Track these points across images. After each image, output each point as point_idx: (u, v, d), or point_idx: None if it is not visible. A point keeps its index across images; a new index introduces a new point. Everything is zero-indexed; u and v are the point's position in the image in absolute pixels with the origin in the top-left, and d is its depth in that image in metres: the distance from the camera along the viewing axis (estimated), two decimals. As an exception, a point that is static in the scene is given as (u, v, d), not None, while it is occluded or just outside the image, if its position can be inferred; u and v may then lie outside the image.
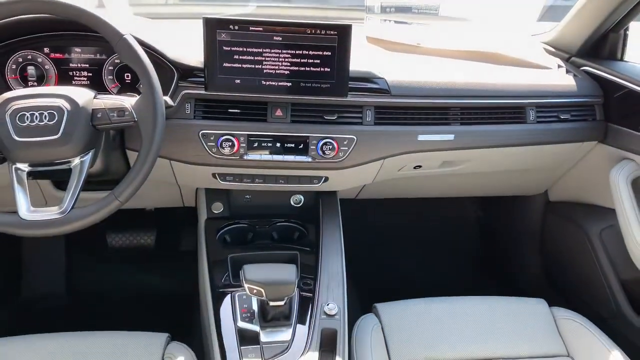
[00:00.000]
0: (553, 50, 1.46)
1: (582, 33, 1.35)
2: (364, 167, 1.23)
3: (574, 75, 1.34)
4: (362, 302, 1.18)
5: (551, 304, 1.22)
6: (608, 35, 1.33)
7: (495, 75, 1.31)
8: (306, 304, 1.08)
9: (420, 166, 1.31)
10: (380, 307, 1.20)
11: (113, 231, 1.81)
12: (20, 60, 1.19)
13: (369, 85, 1.21)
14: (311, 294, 1.10)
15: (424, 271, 1.79)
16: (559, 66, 1.37)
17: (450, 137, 1.23)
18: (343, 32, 1.12)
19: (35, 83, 1.20)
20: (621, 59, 1.36)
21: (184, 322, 1.43)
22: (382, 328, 1.14)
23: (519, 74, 1.33)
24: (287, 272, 0.99)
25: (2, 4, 0.93)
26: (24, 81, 1.20)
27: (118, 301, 1.75)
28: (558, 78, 1.33)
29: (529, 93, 1.27)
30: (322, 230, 1.26)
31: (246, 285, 0.97)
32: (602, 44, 1.35)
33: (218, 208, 1.33)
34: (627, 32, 1.34)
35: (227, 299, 1.09)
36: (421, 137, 1.23)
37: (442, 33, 1.50)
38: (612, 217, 1.31)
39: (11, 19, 1.01)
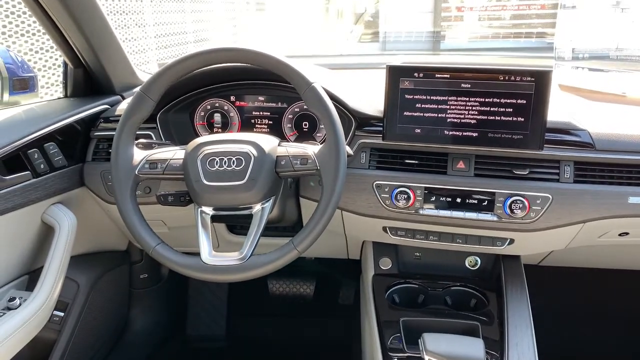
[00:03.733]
0: None
1: None
2: (558, 231, 1.08)
3: None
4: None
5: None
6: None
7: None
8: (492, 386, 0.94)
9: (627, 233, 1.11)
10: None
11: (274, 277, 1.82)
12: (209, 107, 1.25)
13: (568, 137, 1.07)
14: None
15: (624, 355, 1.52)
16: None
17: None
18: (542, 78, 1.01)
19: (220, 129, 1.25)
20: None
21: None
22: None
23: None
24: (475, 347, 0.87)
25: (208, 52, 0.97)
26: (210, 127, 1.26)
27: (275, 350, 1.73)
28: None
29: None
30: (507, 301, 1.11)
31: (427, 357, 0.87)
32: None
33: (386, 264, 1.25)
34: None
35: (397, 357, 0.99)
36: (632, 200, 1.04)
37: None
38: None
39: (204, 69, 1.05)
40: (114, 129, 1.02)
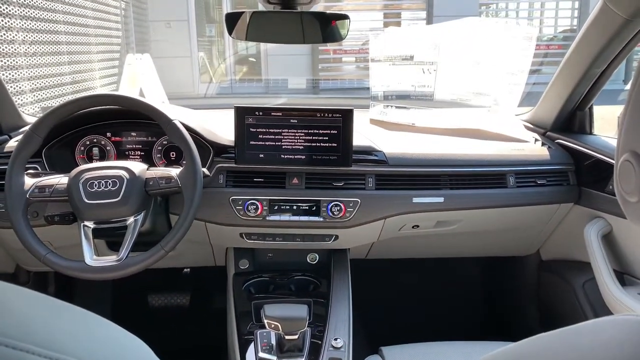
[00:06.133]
0: (531, 126, 1.70)
1: (554, 111, 1.58)
2: (368, 226, 1.45)
3: (549, 147, 1.56)
4: (368, 346, 1.34)
5: None
6: (576, 113, 1.56)
7: (479, 147, 1.54)
8: (316, 339, 1.26)
9: (417, 226, 1.52)
10: (386, 350, 1.36)
11: (154, 291, 2.03)
12: (88, 142, 1.48)
13: (370, 157, 1.45)
14: (321, 333, 1.29)
15: (427, 320, 1.94)
16: (536, 140, 1.60)
17: (440, 199, 1.44)
18: (346, 115, 1.39)
19: (98, 161, 1.49)
20: (590, 133, 1.57)
21: None
22: None
23: (500, 146, 1.55)
24: (300, 310, 1.19)
25: (87, 97, 1.23)
26: (89, 160, 1.49)
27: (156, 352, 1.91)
28: (535, 149, 1.56)
29: (508, 162, 1.49)
30: (333, 283, 1.46)
31: (265, 321, 1.17)
32: (572, 121, 1.58)
33: (245, 264, 1.55)
34: (592, 110, 1.57)
35: (251, 338, 1.28)
36: (415, 200, 1.44)
37: (435, 115, 1.75)
38: (592, 271, 1.47)
39: (84, 110, 1.30)
40: (3, 164, 1.23)
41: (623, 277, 1.39)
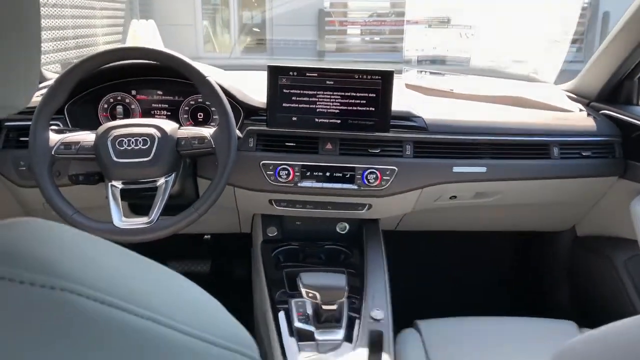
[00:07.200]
0: (574, 96, 1.62)
1: (600, 80, 1.50)
2: (404, 196, 1.38)
3: (594, 118, 1.48)
4: (400, 320, 1.29)
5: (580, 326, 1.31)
6: (624, 82, 1.48)
7: (521, 116, 1.46)
8: (354, 311, 1.21)
9: (455, 197, 1.45)
10: (421, 323, 1.31)
11: (173, 259, 1.98)
12: (112, 100, 1.40)
13: (409, 123, 1.38)
14: (357, 305, 1.23)
15: (456, 294, 1.89)
16: (580, 110, 1.52)
17: (483, 169, 1.37)
18: (386, 77, 1.31)
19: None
20: (637, 104, 1.50)
21: None
22: (422, 342, 1.25)
23: (543, 115, 1.48)
24: (339, 279, 1.13)
25: (115, 50, 1.15)
26: (113, 118, 1.42)
27: None
28: (579, 119, 1.48)
29: (552, 132, 1.42)
30: (367, 253, 1.40)
31: (303, 290, 1.11)
32: (619, 91, 1.50)
33: (273, 232, 1.49)
34: (640, 80, 1.49)
35: (285, 307, 1.22)
36: (456, 169, 1.37)
37: (472, 82, 1.67)
38: (635, 248, 1.41)
39: (109, 65, 1.22)
40: (24, 119, 1.16)
41: (670, 254, 1.33)
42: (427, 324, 1.31)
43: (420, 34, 1.73)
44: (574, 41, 1.60)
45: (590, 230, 1.66)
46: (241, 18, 8.35)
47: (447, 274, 2.01)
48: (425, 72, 1.75)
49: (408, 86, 1.60)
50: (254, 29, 8.37)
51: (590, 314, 1.61)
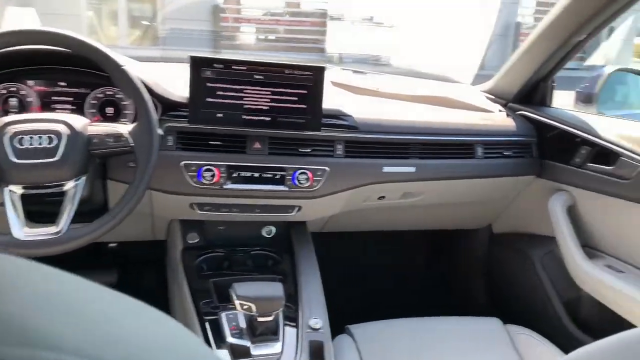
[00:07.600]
0: (492, 97, 1.66)
1: (518, 82, 1.55)
2: (335, 197, 1.33)
3: (513, 118, 1.53)
4: (332, 325, 1.25)
5: (504, 322, 1.34)
6: (539, 84, 1.54)
7: (448, 116, 1.47)
8: (290, 320, 1.13)
9: (383, 197, 1.43)
10: (353, 328, 1.27)
11: (74, 270, 1.76)
12: (4, 92, 1.21)
13: (339, 122, 1.32)
14: (294, 313, 1.16)
15: (385, 296, 1.88)
16: (500, 110, 1.57)
17: (412, 169, 1.36)
18: (318, 72, 1.24)
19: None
20: (549, 105, 1.57)
21: None
22: (357, 348, 1.21)
23: (467, 116, 1.50)
24: (276, 288, 1.05)
25: (12, 33, 0.98)
26: (5, 113, 1.22)
27: None
28: (501, 120, 1.52)
29: (477, 132, 1.44)
30: (298, 257, 1.33)
31: (237, 302, 1.02)
32: (534, 92, 1.56)
33: (193, 238, 1.37)
34: (554, 83, 1.56)
35: (213, 320, 1.12)
36: (386, 169, 1.35)
37: (394, 81, 1.66)
38: (551, 244, 1.47)
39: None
40: None
41: (584, 250, 1.40)
42: (359, 328, 1.28)
43: (344, 31, 1.69)
44: (489, 45, 1.64)
45: (506, 228, 1.72)
46: (130, 11, 7.92)
47: (369, 275, 2.00)
48: (348, 70, 1.71)
49: (335, 84, 1.55)
50: (144, 22, 7.97)
51: (511, 309, 1.67)
